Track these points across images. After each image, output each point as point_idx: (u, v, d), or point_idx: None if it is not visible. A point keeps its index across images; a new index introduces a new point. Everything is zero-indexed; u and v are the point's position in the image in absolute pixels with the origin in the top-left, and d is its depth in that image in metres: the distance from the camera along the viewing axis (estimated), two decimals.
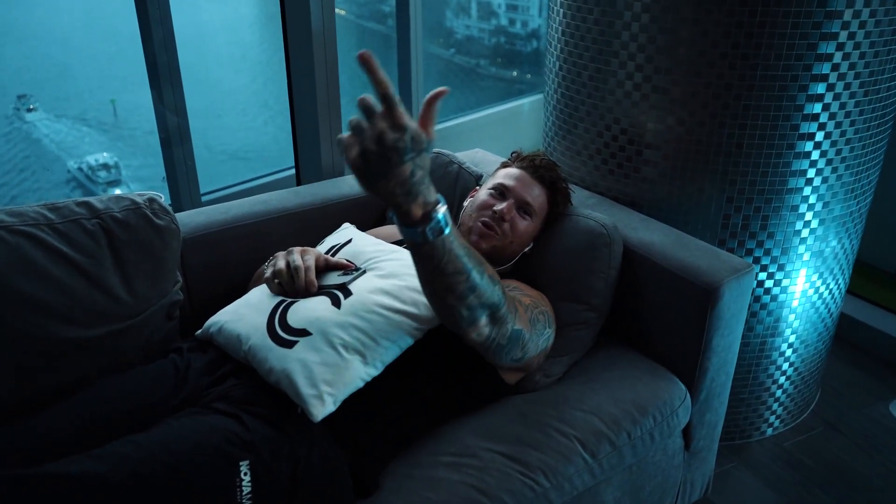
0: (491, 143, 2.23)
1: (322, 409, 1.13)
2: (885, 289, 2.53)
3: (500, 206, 1.47)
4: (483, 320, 1.15)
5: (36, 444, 1.08)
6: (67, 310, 1.24)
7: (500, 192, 1.51)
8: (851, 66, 1.57)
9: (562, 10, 1.82)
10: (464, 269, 1.05)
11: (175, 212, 1.44)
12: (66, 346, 1.25)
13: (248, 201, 1.75)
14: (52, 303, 1.23)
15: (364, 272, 1.33)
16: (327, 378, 1.15)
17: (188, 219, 1.63)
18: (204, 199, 2.81)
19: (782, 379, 1.94)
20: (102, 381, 1.23)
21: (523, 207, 1.51)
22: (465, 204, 1.59)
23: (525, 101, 4.41)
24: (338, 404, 1.15)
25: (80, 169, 10.10)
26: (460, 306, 1.10)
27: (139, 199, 1.38)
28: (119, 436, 1.08)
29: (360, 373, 1.18)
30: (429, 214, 0.97)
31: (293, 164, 2.16)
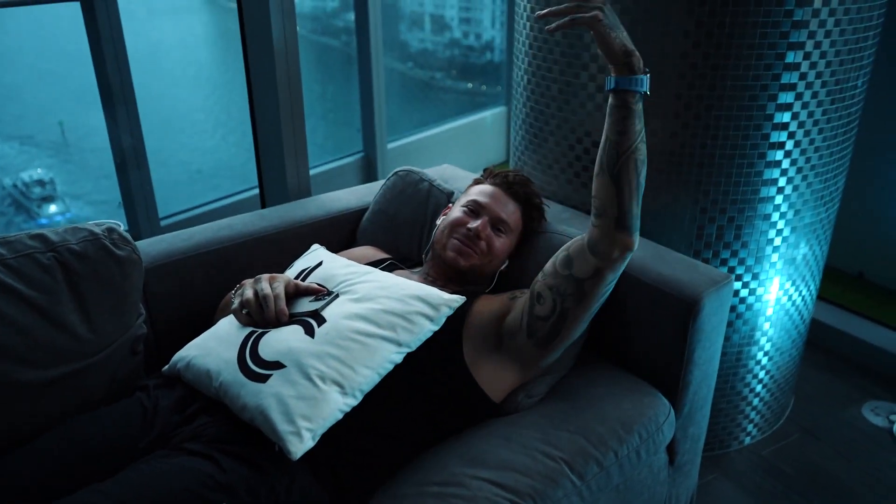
0: (456, 157, 2.20)
1: (300, 445, 1.07)
2: (850, 291, 2.56)
3: (474, 224, 1.45)
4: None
5: None
6: (24, 350, 1.17)
7: (474, 209, 1.48)
8: (818, 75, 1.58)
9: (528, 24, 1.80)
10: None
11: (133, 237, 1.37)
12: (25, 389, 1.17)
13: (211, 226, 1.68)
14: (6, 344, 1.15)
15: (337, 296, 1.28)
16: (304, 412, 1.09)
17: (149, 247, 1.56)
18: (163, 223, 2.72)
19: (759, 387, 1.93)
20: (66, 424, 1.16)
21: (497, 224, 1.48)
22: (438, 222, 1.55)
23: (487, 114, 4.42)
24: (316, 439, 1.10)
25: (14, 186, 9.84)
26: (639, 192, 1.21)
27: (97, 229, 1.31)
28: (86, 482, 1.03)
29: (338, 404, 1.13)
30: (644, 67, 1.17)
31: (253, 183, 2.09)
